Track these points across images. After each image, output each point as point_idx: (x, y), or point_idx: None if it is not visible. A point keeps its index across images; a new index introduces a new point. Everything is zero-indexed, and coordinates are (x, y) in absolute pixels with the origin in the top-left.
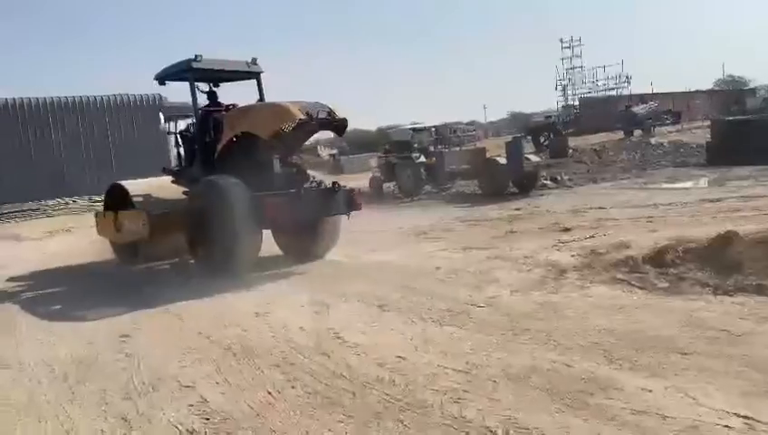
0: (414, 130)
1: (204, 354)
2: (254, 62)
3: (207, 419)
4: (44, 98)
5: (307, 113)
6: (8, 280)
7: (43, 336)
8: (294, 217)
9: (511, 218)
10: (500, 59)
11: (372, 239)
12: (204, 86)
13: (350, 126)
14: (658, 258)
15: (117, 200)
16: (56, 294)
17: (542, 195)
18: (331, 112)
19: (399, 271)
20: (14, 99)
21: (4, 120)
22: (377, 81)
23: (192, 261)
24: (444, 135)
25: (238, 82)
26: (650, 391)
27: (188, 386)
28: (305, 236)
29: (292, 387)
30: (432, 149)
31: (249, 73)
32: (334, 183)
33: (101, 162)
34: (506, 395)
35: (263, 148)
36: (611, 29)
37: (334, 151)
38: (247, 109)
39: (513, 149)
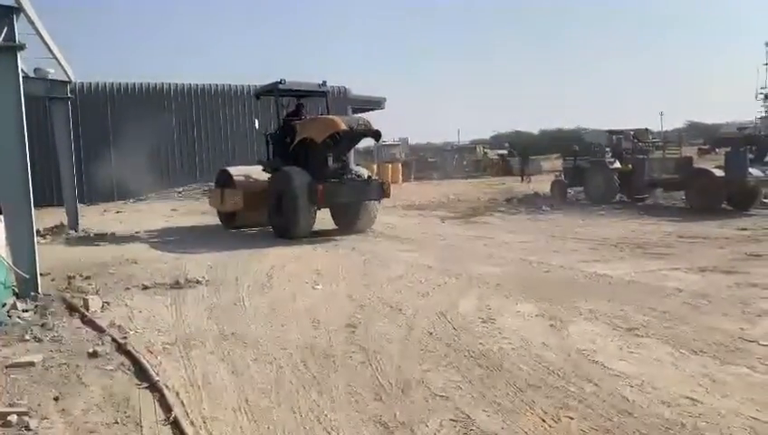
0: (610, 132)
1: (444, 359)
2: (323, 84)
3: None
4: (190, 84)
5: (348, 125)
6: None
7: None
8: (337, 200)
9: (741, 238)
10: (679, 63)
11: (580, 248)
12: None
13: (512, 128)
14: None
15: (224, 181)
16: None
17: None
18: (367, 125)
19: (632, 289)
20: (155, 83)
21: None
22: (534, 83)
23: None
24: (643, 140)
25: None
26: None
27: (441, 395)
28: (349, 215)
29: (570, 417)
30: (627, 154)
31: (320, 92)
32: (369, 176)
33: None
34: None
35: (321, 148)
36: None
37: (503, 152)
38: (310, 119)
39: (736, 162)
